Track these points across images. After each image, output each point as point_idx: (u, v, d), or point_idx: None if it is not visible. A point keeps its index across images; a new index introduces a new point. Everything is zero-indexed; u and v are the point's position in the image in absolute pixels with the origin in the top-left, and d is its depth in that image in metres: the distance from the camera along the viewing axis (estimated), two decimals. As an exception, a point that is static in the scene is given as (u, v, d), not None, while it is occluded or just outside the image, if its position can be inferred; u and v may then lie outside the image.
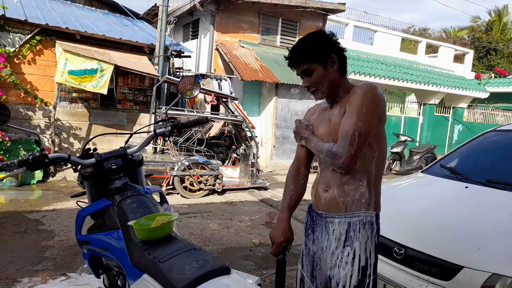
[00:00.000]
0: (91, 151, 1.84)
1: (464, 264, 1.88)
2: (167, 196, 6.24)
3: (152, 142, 6.72)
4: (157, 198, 1.94)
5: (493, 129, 3.30)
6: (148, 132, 1.98)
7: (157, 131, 1.90)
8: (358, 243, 1.46)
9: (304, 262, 1.67)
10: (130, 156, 1.85)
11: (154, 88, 7.11)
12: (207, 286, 1.07)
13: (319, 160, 1.63)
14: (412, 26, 25.38)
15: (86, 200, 1.87)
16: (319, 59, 1.48)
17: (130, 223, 1.38)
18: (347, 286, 1.44)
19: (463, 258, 1.91)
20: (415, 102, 12.52)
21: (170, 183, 5.92)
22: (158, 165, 5.94)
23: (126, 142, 2.01)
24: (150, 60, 7.70)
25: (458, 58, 16.80)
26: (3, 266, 3.20)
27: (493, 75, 17.41)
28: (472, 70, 16.76)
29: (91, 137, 1.87)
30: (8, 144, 5.97)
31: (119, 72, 7.46)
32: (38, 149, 1.63)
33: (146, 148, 6.74)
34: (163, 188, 5.91)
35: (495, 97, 14.79)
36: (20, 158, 1.57)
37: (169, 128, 1.91)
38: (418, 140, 11.93)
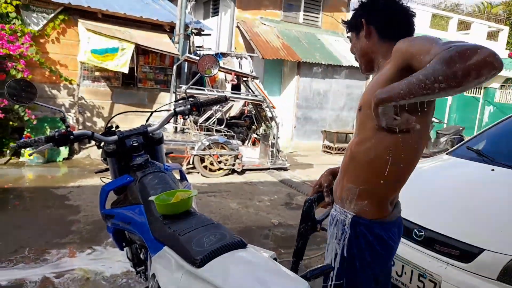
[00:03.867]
0: (114, 129, 1.88)
1: (485, 246, 1.85)
2: (187, 175, 6.35)
3: (172, 121, 6.79)
4: (177, 175, 1.98)
5: (524, 110, 3.16)
6: (168, 110, 2.00)
7: (176, 109, 1.91)
8: (328, 238, 1.39)
9: None
10: (150, 134, 1.89)
11: (175, 67, 7.13)
12: (223, 258, 1.09)
13: None
14: (444, 1, 24.27)
15: (110, 176, 1.93)
16: (354, 27, 1.40)
17: (151, 198, 1.41)
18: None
19: (485, 241, 1.88)
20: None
21: (191, 162, 6.00)
22: (179, 144, 6.02)
23: (147, 120, 2.04)
24: (170, 38, 7.69)
25: (492, 35, 16.02)
26: (33, 239, 3.36)
27: (527, 53, 16.54)
28: (506, 48, 15.97)
29: (114, 115, 1.92)
30: (34, 122, 6.15)
31: (140, 51, 7.50)
32: (64, 126, 1.68)
33: (166, 127, 6.82)
34: (184, 167, 6.01)
35: (529, 77, 14.10)
36: (47, 135, 1.63)
37: (189, 106, 1.92)
38: (445, 121, 11.60)
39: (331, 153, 9.37)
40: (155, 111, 2.01)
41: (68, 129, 1.65)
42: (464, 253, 1.91)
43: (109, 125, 1.92)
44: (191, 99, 1.92)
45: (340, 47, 9.94)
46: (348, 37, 1.48)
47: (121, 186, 1.73)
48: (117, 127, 1.90)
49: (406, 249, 2.15)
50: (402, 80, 1.01)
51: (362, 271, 1.30)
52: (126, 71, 6.77)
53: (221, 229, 1.26)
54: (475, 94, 12.59)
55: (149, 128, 1.87)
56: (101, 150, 1.90)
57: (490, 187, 2.38)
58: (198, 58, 6.87)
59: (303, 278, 1.04)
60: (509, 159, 2.58)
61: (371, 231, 1.27)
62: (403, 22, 1.32)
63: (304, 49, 9.15)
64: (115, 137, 1.79)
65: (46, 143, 1.62)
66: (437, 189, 2.52)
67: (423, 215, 2.22)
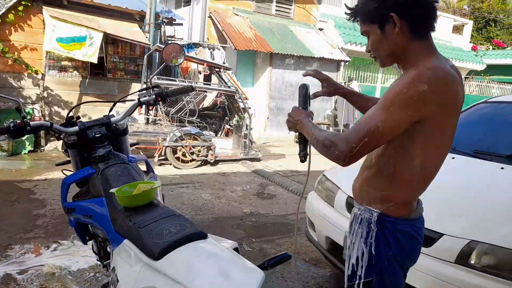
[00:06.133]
0: (74, 119, 1.83)
1: (444, 231, 1.93)
2: (159, 167, 6.24)
3: (144, 112, 6.66)
4: (143, 167, 1.94)
5: (483, 101, 3.29)
6: (132, 100, 1.95)
7: (141, 99, 1.88)
8: (352, 237, 1.34)
9: None
10: (114, 125, 1.84)
11: (145, 57, 6.98)
12: (182, 250, 1.09)
13: None
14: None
15: (72, 169, 1.88)
16: (375, 19, 1.19)
17: (112, 190, 1.39)
18: (345, 276, 1.37)
19: (444, 226, 1.95)
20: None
21: (163, 154, 5.92)
22: (150, 135, 5.92)
23: (110, 110, 1.99)
24: (140, 28, 7.50)
25: (457, 29, 16.55)
26: (-6, 234, 3.23)
27: (490, 47, 17.22)
28: (470, 42, 16.54)
29: (76, 105, 1.85)
30: (-4, 114, 5.89)
31: (109, 40, 7.28)
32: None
33: (138, 118, 6.70)
34: (156, 159, 5.93)
35: (491, 69, 14.71)
36: (1, 126, 1.56)
37: (153, 96, 1.88)
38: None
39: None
40: (119, 101, 1.96)
41: (25, 120, 1.58)
42: (425, 238, 1.99)
43: (70, 115, 1.86)
44: (156, 89, 1.89)
45: (312, 39, 10.00)
46: (363, 31, 1.28)
47: (82, 178, 1.69)
48: (78, 118, 1.84)
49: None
50: (315, 127, 1.28)
51: (391, 268, 1.29)
52: (95, 61, 6.56)
53: (182, 220, 1.26)
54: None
55: (112, 119, 1.82)
56: (61, 141, 1.85)
57: (449, 175, 2.48)
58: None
59: (260, 268, 1.06)
60: (468, 148, 2.69)
61: (397, 228, 1.27)
62: (434, 18, 1.19)
63: (277, 41, 9.15)
64: (75, 128, 1.73)
65: (0, 135, 1.56)
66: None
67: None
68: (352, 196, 1.45)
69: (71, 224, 1.78)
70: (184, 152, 5.99)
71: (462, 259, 1.87)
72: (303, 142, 1.44)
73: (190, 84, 2.04)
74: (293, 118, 1.40)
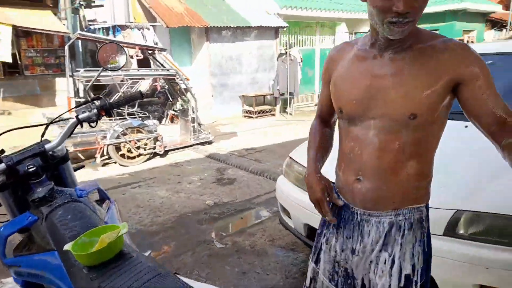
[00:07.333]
0: None
1: (430, 204, 1.85)
2: (103, 168, 5.71)
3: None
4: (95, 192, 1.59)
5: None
6: (68, 119, 1.56)
7: (80, 116, 1.50)
8: (399, 248, 1.14)
9: (321, 258, 1.32)
10: (51, 153, 1.46)
11: (66, 47, 6.18)
12: None
13: (343, 126, 1.21)
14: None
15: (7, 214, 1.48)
16: None
17: (66, 247, 1.05)
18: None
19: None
20: (346, 32, 12.52)
21: (105, 153, 5.40)
22: (88, 135, 5.35)
23: (43, 135, 1.57)
24: (55, 15, 6.63)
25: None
26: None
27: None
28: None
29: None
30: None
31: (20, 33, 6.37)
32: None
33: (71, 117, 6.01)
34: (98, 160, 5.40)
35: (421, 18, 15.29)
36: None
37: (95, 111, 1.51)
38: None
39: (252, 117, 9.32)
40: (51, 122, 1.56)
41: None
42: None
43: None
44: (97, 101, 1.51)
45: (247, 8, 9.60)
46: None
47: (23, 228, 1.32)
48: (1, 151, 1.43)
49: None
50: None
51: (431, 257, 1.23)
52: (9, 60, 5.69)
53: (169, 279, 0.96)
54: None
55: (46, 146, 1.43)
56: None
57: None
58: (93, 35, 6.07)
59: None
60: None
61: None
62: None
63: (211, 13, 8.65)
64: (2, 166, 1.34)
65: None
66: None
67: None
68: (368, 206, 1.18)
69: (17, 282, 1.42)
70: (129, 147, 5.52)
71: (450, 230, 1.82)
72: None
73: (139, 90, 1.69)
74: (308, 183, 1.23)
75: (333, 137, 1.40)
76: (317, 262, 1.35)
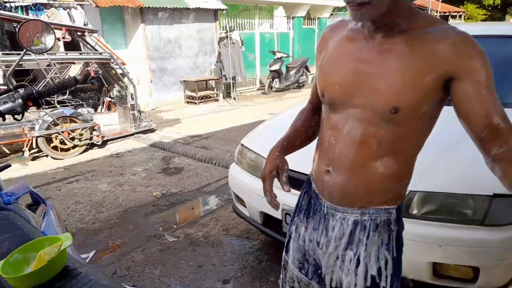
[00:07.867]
0: None
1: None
2: (34, 162, 5.20)
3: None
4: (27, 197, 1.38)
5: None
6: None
7: (1, 108, 1.27)
8: (364, 248, 1.07)
9: (291, 247, 1.27)
10: None
11: (-21, 28, 5.45)
12: None
13: (325, 112, 1.12)
14: None
15: None
16: None
17: None
18: None
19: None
20: (284, 16, 12.58)
21: (34, 146, 4.88)
22: (13, 127, 4.79)
23: None
24: (-39, -11, 5.78)
25: None
26: None
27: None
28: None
29: None
30: None
31: None
32: None
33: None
34: (26, 154, 4.88)
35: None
36: None
37: (20, 101, 1.29)
38: (291, 55, 12.28)
39: (195, 103, 9.06)
40: None
41: None
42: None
43: None
44: (22, 89, 1.29)
45: (184, -12, 9.18)
46: None
47: None
48: None
49: (290, 196, 2.09)
50: None
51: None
52: None
53: None
54: (311, 25, 13.56)
55: None
56: None
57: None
58: (8, 13, 5.38)
59: None
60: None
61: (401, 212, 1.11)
62: None
63: (145, -8, 8.13)
64: None
65: None
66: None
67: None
68: (334, 200, 1.11)
69: None
70: (62, 139, 5.05)
71: (404, 211, 1.87)
72: None
73: (74, 77, 1.46)
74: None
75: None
76: (287, 251, 1.30)
